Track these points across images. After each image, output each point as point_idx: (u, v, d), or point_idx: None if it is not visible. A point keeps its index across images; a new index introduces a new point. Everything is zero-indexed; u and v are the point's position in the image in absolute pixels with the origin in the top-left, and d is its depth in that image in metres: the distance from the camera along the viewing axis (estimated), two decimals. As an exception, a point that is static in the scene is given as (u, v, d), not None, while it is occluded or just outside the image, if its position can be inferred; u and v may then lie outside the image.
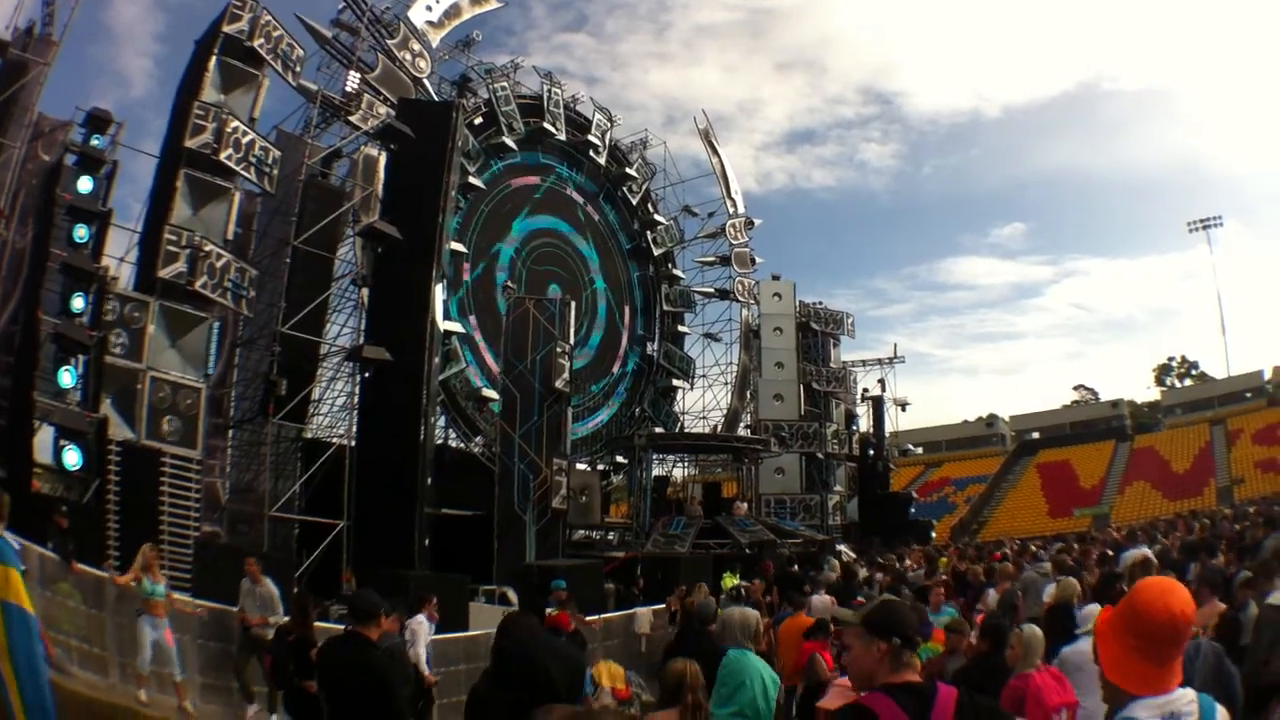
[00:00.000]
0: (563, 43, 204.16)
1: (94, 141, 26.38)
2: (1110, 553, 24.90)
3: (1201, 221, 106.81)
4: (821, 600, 19.79)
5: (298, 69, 32.85)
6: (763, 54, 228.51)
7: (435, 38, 49.15)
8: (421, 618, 16.67)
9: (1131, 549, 22.02)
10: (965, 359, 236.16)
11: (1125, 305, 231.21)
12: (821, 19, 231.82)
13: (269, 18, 30.05)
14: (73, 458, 22.27)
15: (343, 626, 11.08)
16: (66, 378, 23.41)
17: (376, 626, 9.17)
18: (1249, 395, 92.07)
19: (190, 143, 27.29)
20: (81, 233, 24.83)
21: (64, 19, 28.65)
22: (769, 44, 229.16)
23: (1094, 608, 10.10)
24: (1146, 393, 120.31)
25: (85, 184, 25.30)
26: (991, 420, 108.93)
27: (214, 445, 32.45)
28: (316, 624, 13.00)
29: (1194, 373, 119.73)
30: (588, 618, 23.51)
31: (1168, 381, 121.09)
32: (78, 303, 24.08)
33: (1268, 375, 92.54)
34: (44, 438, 22.63)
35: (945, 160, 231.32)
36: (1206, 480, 76.48)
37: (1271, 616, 10.06)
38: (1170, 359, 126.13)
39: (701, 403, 67.66)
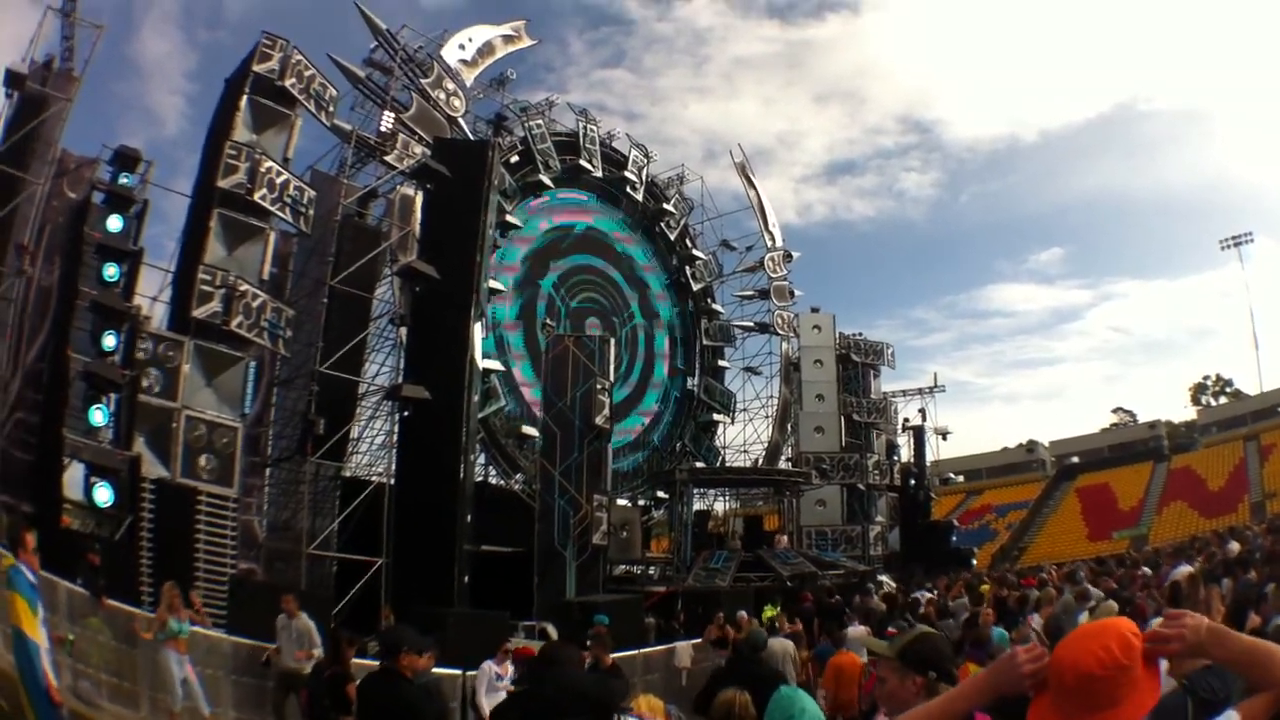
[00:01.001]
0: (601, 79, 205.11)
1: (122, 180, 26.31)
2: (1149, 571, 24.88)
3: (1233, 239, 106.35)
4: (856, 631, 19.77)
5: (331, 108, 33.02)
6: (801, 86, 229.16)
7: (469, 76, 49.41)
8: (488, 663, 16.63)
9: (1178, 566, 22.01)
10: (1005, 386, 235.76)
11: (1163, 326, 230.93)
12: (858, 50, 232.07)
13: (300, 57, 30.23)
14: (104, 494, 22.26)
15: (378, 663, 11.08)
16: (98, 416, 23.45)
17: (401, 660, 9.21)
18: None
19: (223, 183, 27.50)
20: (111, 271, 24.84)
21: (84, 53, 28.80)
22: (807, 75, 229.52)
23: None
24: (1183, 412, 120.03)
25: (115, 223, 25.28)
26: (1031, 446, 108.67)
27: (251, 483, 32.49)
28: (356, 660, 12.96)
29: (1229, 390, 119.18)
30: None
31: (1204, 400, 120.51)
32: (109, 341, 24.13)
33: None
34: (74, 475, 22.58)
35: (984, 187, 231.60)
36: (1240, 497, 75.92)
37: None
38: (1206, 378, 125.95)
39: (742, 436, 67.52)
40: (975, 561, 60.78)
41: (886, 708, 4.71)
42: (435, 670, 13.05)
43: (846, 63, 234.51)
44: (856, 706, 15.48)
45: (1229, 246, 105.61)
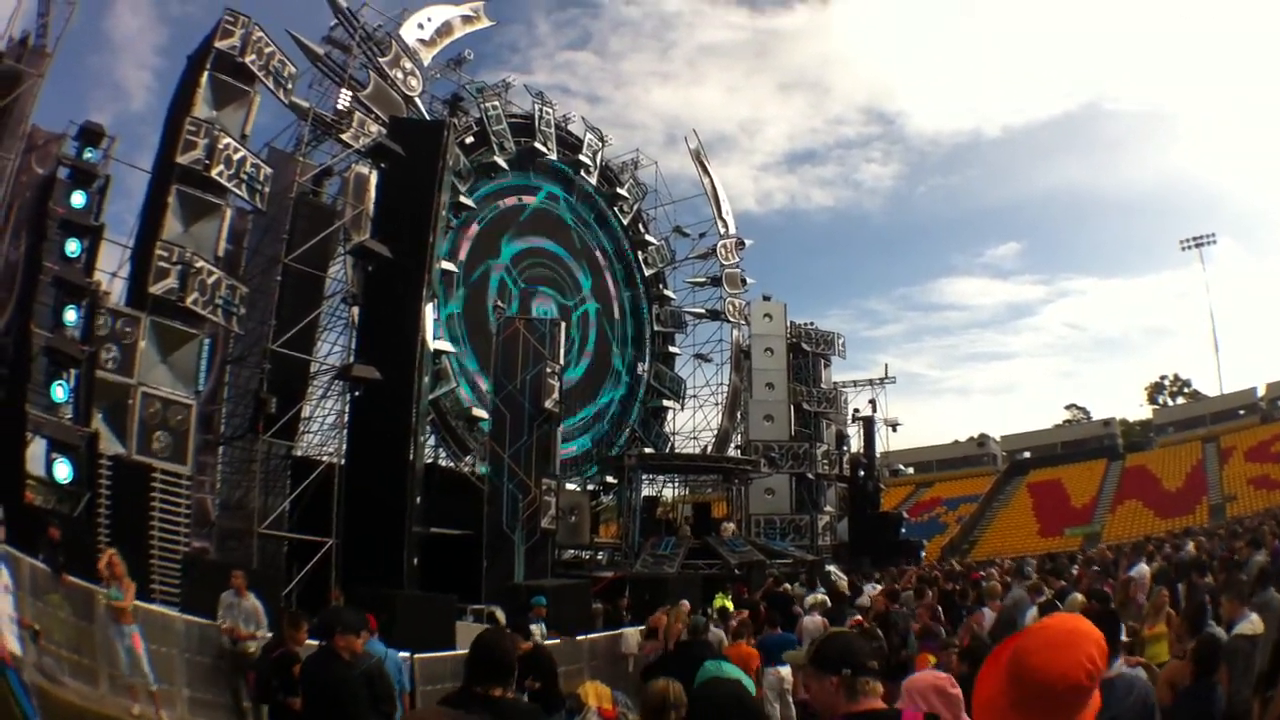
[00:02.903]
0: (566, 60, 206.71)
1: (86, 155, 26.12)
2: (1097, 568, 24.96)
3: (1194, 240, 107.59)
4: (814, 622, 19.78)
5: (289, 86, 33.09)
6: (766, 74, 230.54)
7: (427, 56, 49.16)
8: None
9: (1136, 565, 22.05)
10: (958, 379, 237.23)
11: (1119, 324, 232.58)
12: (824, 40, 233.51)
13: (261, 34, 30.20)
14: (63, 471, 22.09)
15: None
16: (59, 391, 23.25)
17: (337, 642, 9.72)
18: (1242, 413, 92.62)
19: (182, 159, 27.45)
20: (73, 247, 24.61)
21: (58, 30, 28.66)
22: (772, 64, 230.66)
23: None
24: (1139, 411, 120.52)
25: (78, 198, 25.08)
26: (983, 440, 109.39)
27: (204, 461, 32.25)
28: (309, 642, 12.92)
29: (1186, 391, 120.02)
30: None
31: (1160, 400, 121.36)
32: (70, 316, 23.88)
33: (1261, 392, 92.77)
34: (36, 451, 22.46)
35: (944, 180, 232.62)
36: (1199, 498, 76.56)
37: (1240, 645, 10.17)
38: (1163, 377, 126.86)
39: (692, 423, 67.69)
40: (924, 554, 61.83)
41: (817, 710, 4.86)
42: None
43: (812, 52, 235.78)
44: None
45: (1190, 247, 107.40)
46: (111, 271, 29.63)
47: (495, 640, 6.61)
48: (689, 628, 14.01)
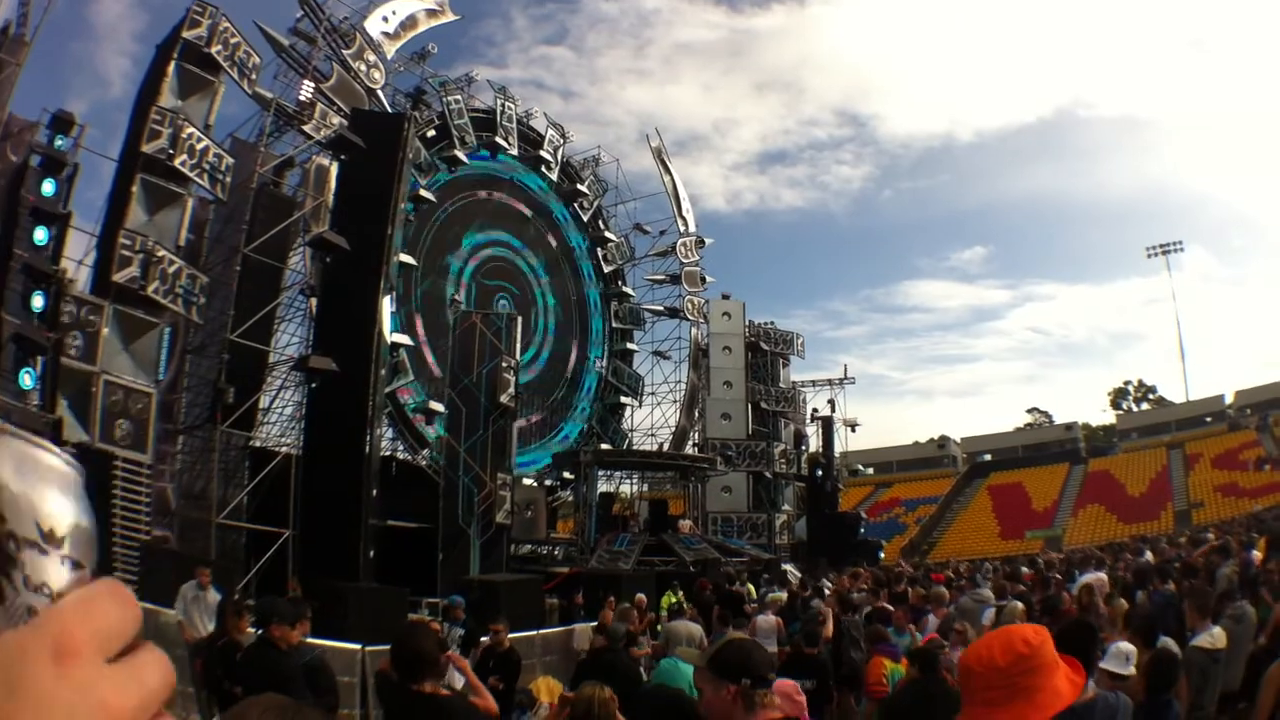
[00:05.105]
0: (542, 55, 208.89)
1: (58, 143, 26.36)
2: (1059, 576, 25.05)
3: (1161, 247, 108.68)
4: (767, 621, 19.82)
5: (254, 76, 33.17)
6: (741, 73, 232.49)
7: (391, 49, 49.10)
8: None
9: (1088, 573, 22.18)
10: (920, 381, 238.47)
11: (1085, 330, 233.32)
12: (801, 40, 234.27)
13: (227, 24, 30.32)
14: (30, 458, 22.10)
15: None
16: (27, 379, 23.53)
17: (273, 631, 10.16)
18: (1209, 420, 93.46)
19: (147, 147, 27.50)
20: (41, 235, 24.86)
21: (38, 18, 28.68)
22: (747, 64, 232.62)
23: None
24: (1102, 416, 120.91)
25: (49, 186, 25.28)
26: (943, 441, 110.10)
27: (164, 451, 32.10)
28: (251, 630, 13.11)
29: (1151, 397, 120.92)
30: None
31: (1124, 405, 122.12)
32: (37, 302, 24.18)
33: (1229, 400, 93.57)
34: (4, 438, 22.53)
35: (915, 183, 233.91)
36: (1163, 504, 77.39)
37: (1197, 658, 10.39)
38: (1127, 383, 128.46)
39: (650, 420, 68.00)
40: (883, 554, 62.05)
41: (709, 718, 4.79)
42: (332, 645, 13.19)
43: (789, 53, 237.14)
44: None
45: (1156, 254, 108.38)
46: (79, 259, 29.74)
47: (410, 637, 6.89)
48: (609, 635, 13.99)
